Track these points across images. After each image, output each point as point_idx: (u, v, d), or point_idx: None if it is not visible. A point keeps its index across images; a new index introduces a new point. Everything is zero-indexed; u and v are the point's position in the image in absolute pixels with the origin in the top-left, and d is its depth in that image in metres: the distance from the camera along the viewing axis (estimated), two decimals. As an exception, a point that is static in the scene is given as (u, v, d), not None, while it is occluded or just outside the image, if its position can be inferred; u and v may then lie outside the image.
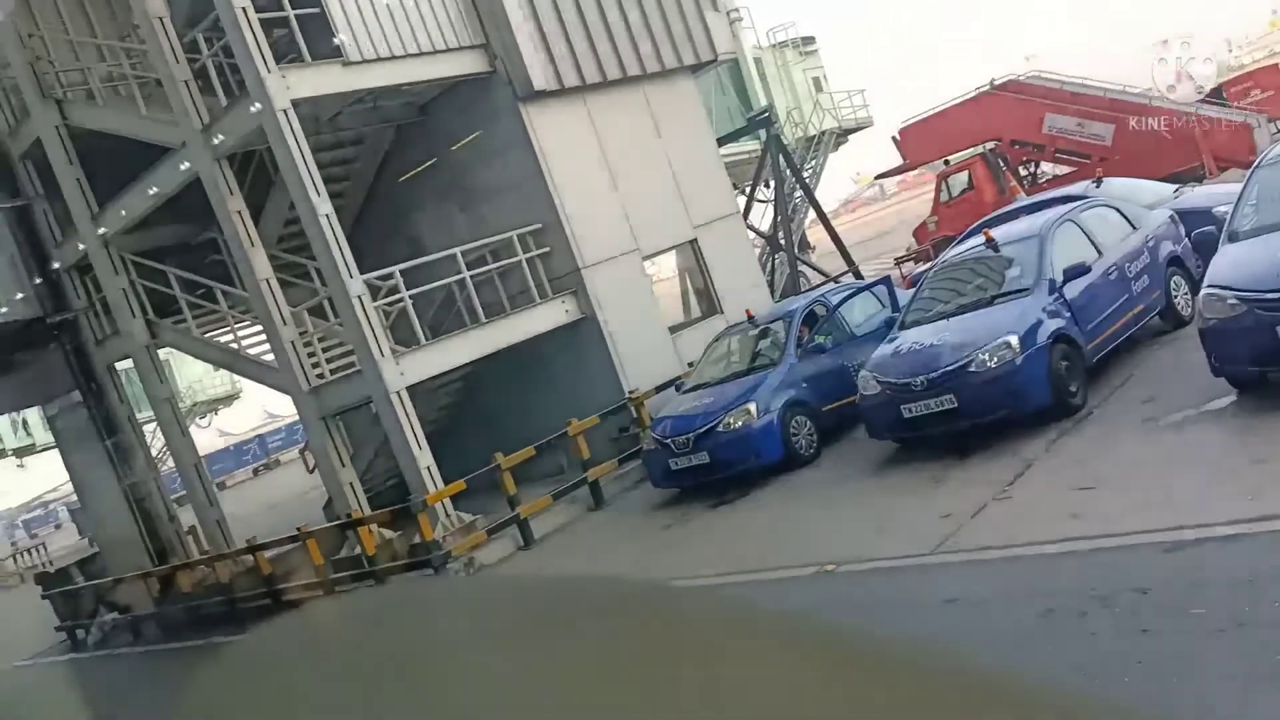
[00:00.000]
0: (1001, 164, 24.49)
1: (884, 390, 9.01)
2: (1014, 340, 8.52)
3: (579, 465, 12.14)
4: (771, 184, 24.52)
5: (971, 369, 8.52)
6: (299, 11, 11.71)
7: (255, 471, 47.08)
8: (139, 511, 16.43)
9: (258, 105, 11.49)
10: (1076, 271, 9.05)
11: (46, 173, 15.38)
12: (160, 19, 12.34)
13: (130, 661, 14.80)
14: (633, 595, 0.56)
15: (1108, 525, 6.00)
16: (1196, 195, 12.58)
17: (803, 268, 24.10)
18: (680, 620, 0.51)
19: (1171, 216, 10.64)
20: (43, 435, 34.86)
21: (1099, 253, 9.55)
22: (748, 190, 25.91)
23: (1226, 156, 20.49)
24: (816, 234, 28.97)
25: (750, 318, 12.03)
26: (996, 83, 24.49)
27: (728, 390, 10.90)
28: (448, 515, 11.45)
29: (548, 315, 13.24)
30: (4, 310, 15.85)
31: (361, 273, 11.71)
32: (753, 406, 10.39)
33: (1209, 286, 7.17)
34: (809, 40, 30.70)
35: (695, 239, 14.96)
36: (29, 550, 36.47)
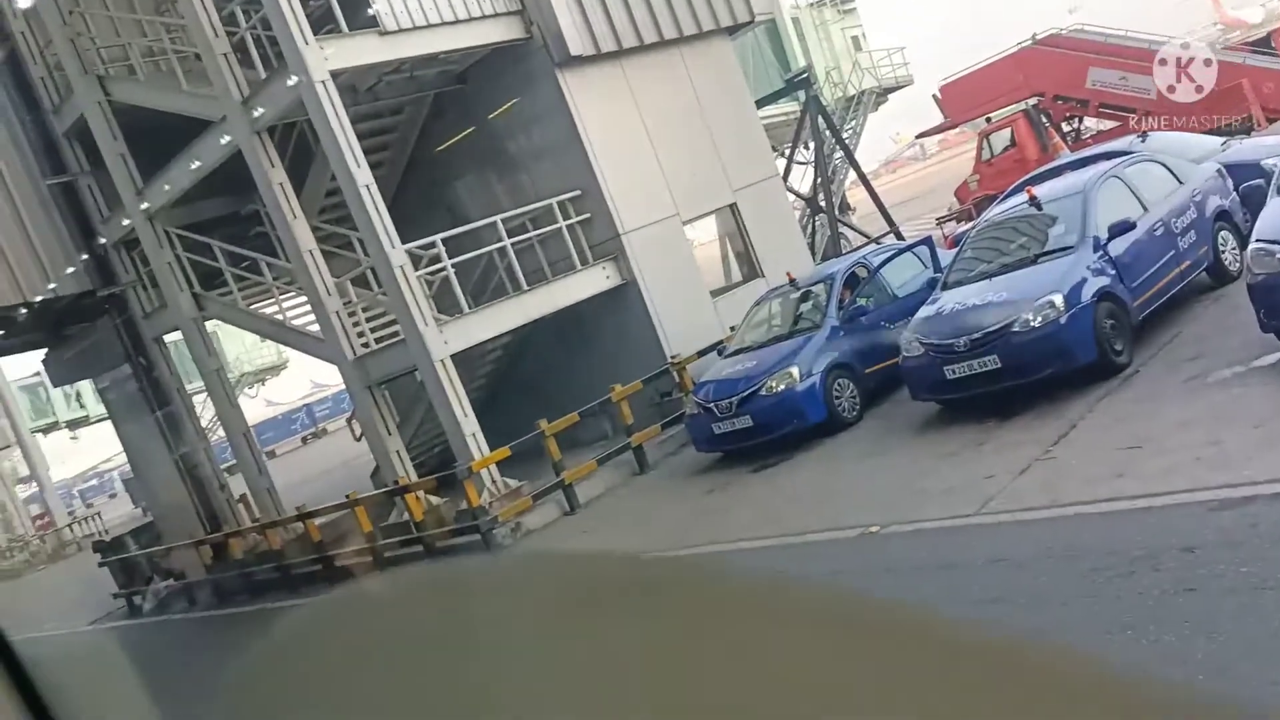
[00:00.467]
0: (1044, 120, 24.04)
1: (926, 351, 8.97)
2: (1058, 299, 8.43)
3: (622, 431, 12.23)
4: (811, 145, 24.27)
5: (1015, 329, 8.45)
6: (335, -18, 11.76)
7: (303, 440, 47.88)
8: (191, 480, 16.81)
9: (296, 77, 11.59)
10: (1121, 228, 8.91)
11: (91, 149, 15.62)
12: (198, -7, 12.45)
13: (186, 626, 15.21)
14: (685, 570, 0.58)
15: (1153, 484, 5.96)
16: (1244, 148, 12.28)
17: (843, 229, 23.91)
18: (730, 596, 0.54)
19: (1219, 170, 10.42)
20: (95, 407, 35.66)
21: (1144, 209, 9.39)
22: (787, 152, 25.66)
23: (1276, 108, 19.96)
24: (857, 195, 28.70)
25: (791, 281, 11.99)
26: (1039, 37, 23.98)
27: (770, 354, 10.90)
28: (493, 481, 11.61)
29: (588, 282, 13.28)
30: (54, 285, 16.21)
31: (403, 242, 11.82)
32: (795, 370, 10.40)
33: (1257, 241, 7.04)
34: (847, -2, 30.21)
35: (735, 203, 14.90)
36: (85, 519, 37.41)
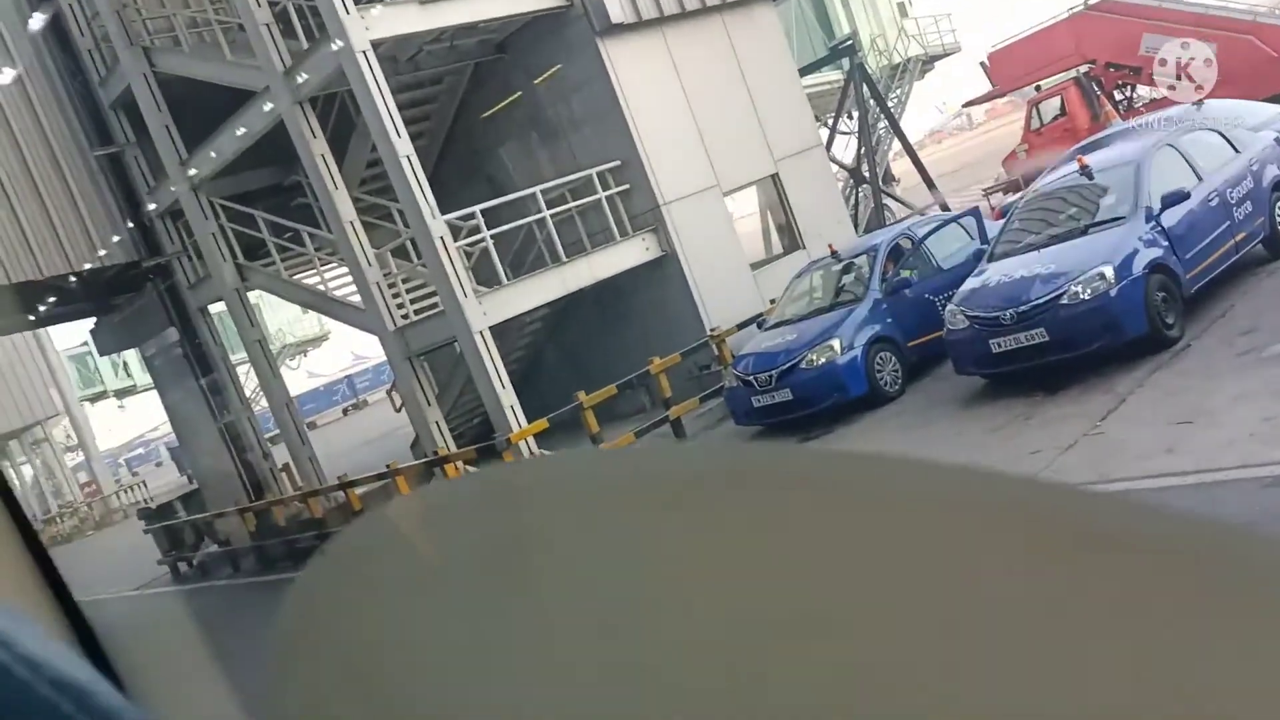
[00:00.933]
0: (1095, 88, 23.48)
1: (972, 324, 8.81)
2: (1108, 271, 8.23)
3: (661, 403, 12.20)
4: (855, 115, 23.94)
5: (1063, 301, 8.27)
6: (375, -49, 11.73)
7: (344, 411, 48.49)
8: (235, 449, 17.08)
9: (338, 44, 11.59)
10: (1175, 198, 8.67)
11: (137, 120, 15.80)
12: (241, -37, 12.47)
13: (230, 592, 15.48)
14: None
15: (1204, 460, 5.83)
16: (1306, 115, 11.90)
17: (887, 201, 23.60)
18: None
19: (1277, 139, 10.12)
20: (142, 376, 36.37)
21: (1199, 178, 9.14)
22: (830, 122, 25.34)
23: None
24: (901, 166, 28.28)
25: (833, 252, 11.84)
26: (1091, 2, 23.39)
27: (811, 326, 10.79)
28: (532, 453, 11.64)
29: (628, 253, 13.22)
30: (102, 254, 16.46)
31: (443, 213, 11.83)
32: (836, 343, 10.28)
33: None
34: (893, -37, 29.64)
35: (776, 173, 14.74)
36: (131, 487, 38.24)
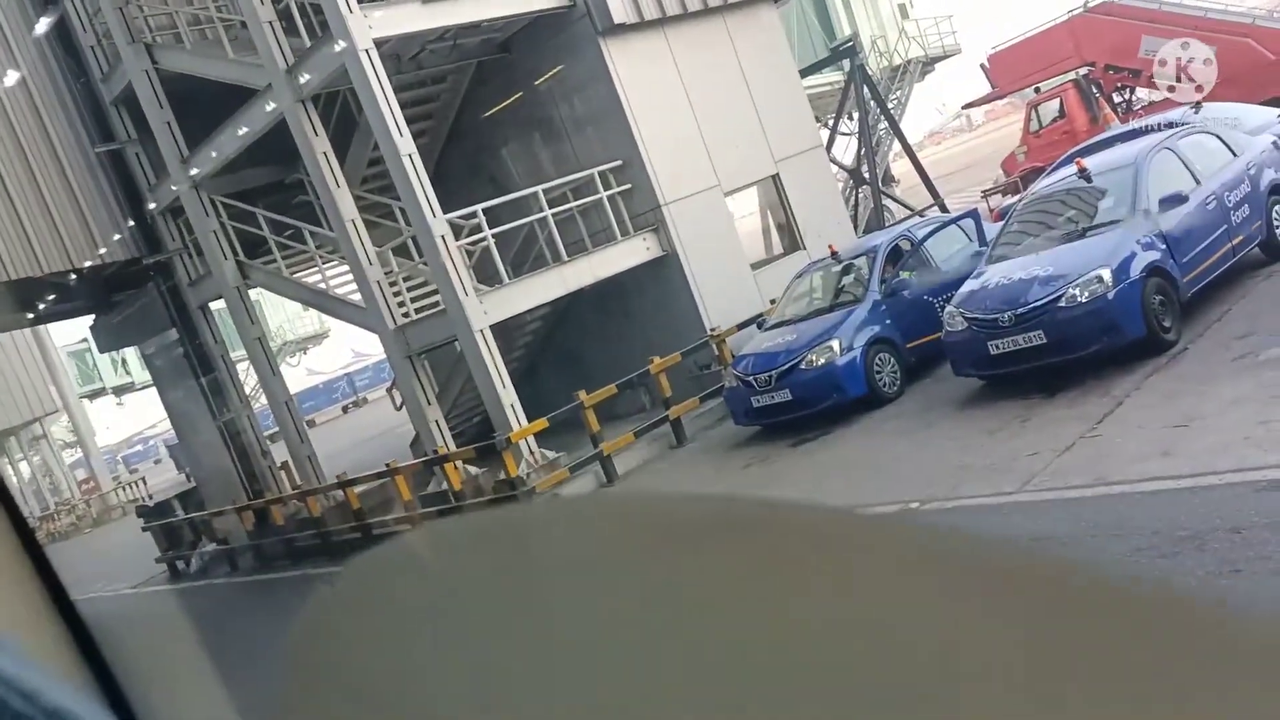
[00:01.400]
0: (1095, 90, 23.52)
1: (970, 326, 8.86)
2: (1106, 274, 8.28)
3: (661, 403, 12.24)
4: (855, 116, 23.99)
5: (1061, 303, 8.32)
6: (379, -49, 11.76)
7: (344, 409, 48.48)
8: (233, 447, 17.09)
9: (341, 44, 11.62)
10: (1173, 201, 8.73)
11: (139, 117, 15.82)
12: (244, -39, 12.50)
13: (228, 590, 15.50)
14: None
15: (1200, 464, 5.87)
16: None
17: (887, 202, 23.64)
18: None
19: (1275, 142, 10.17)
20: (141, 374, 36.38)
21: (1197, 181, 9.20)
22: (831, 123, 25.39)
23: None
24: (901, 167, 28.33)
25: (833, 253, 11.89)
26: (1090, 4, 23.43)
27: (810, 327, 10.83)
28: (531, 452, 11.68)
29: (629, 253, 13.26)
30: (103, 251, 16.48)
31: (444, 212, 11.86)
32: (836, 343, 10.33)
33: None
34: (894, -36, 29.69)
35: (777, 174, 14.79)
36: (130, 485, 38.22)
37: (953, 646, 0.38)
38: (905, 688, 0.37)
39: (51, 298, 17.76)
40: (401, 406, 14.44)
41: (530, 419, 11.70)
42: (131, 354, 36.11)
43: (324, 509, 14.27)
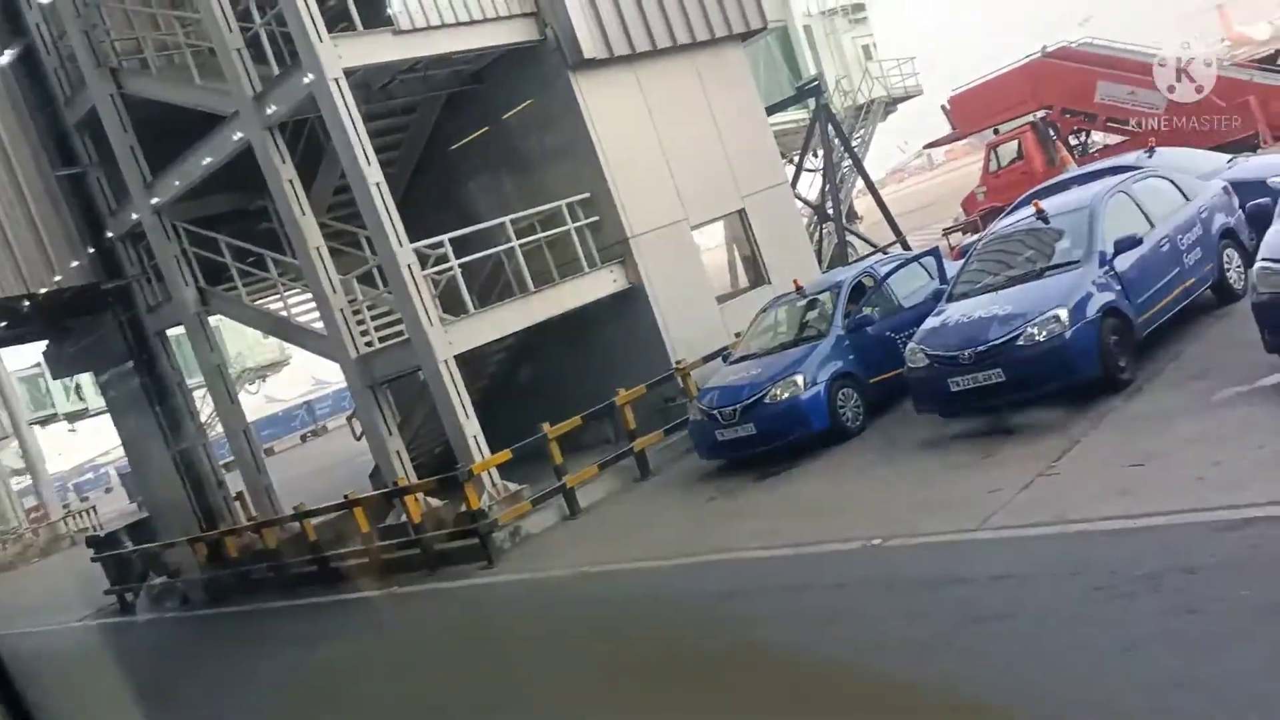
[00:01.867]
0: (1052, 133, 24.07)
1: (931, 363, 8.97)
2: (1063, 313, 8.43)
3: (625, 435, 12.23)
4: (820, 153, 24.35)
5: (1019, 342, 8.46)
6: (351, -20, 11.79)
7: (303, 438, 47.91)
8: (188, 477, 16.78)
9: (310, 75, 11.61)
10: (1128, 244, 8.92)
11: (102, 141, 15.66)
12: (214, -12, 12.46)
13: (178, 625, 15.17)
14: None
15: (1156, 503, 5.97)
16: (1251, 166, 12.31)
17: (850, 238, 23.96)
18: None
19: (1225, 187, 10.44)
20: (95, 400, 35.68)
21: (1151, 224, 9.40)
22: (796, 160, 25.74)
23: (1283, 126, 20.00)
24: (864, 204, 28.74)
25: (798, 288, 12.00)
26: (1048, 50, 24.02)
27: (775, 361, 10.91)
28: (494, 484, 11.60)
29: (596, 285, 13.30)
30: (59, 278, 16.22)
31: (411, 241, 11.83)
32: (800, 378, 10.40)
33: (1263, 260, 7.03)
34: (859, 7, 30.32)
35: (743, 209, 14.94)
36: (80, 513, 37.38)
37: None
38: None
39: (3, 324, 17.42)
40: (361, 436, 14.28)
41: (494, 450, 11.63)
42: (86, 379, 35.45)
43: (280, 541, 14.03)
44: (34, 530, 36.68)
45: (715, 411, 10.71)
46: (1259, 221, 9.18)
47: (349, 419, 21.03)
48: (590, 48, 13.22)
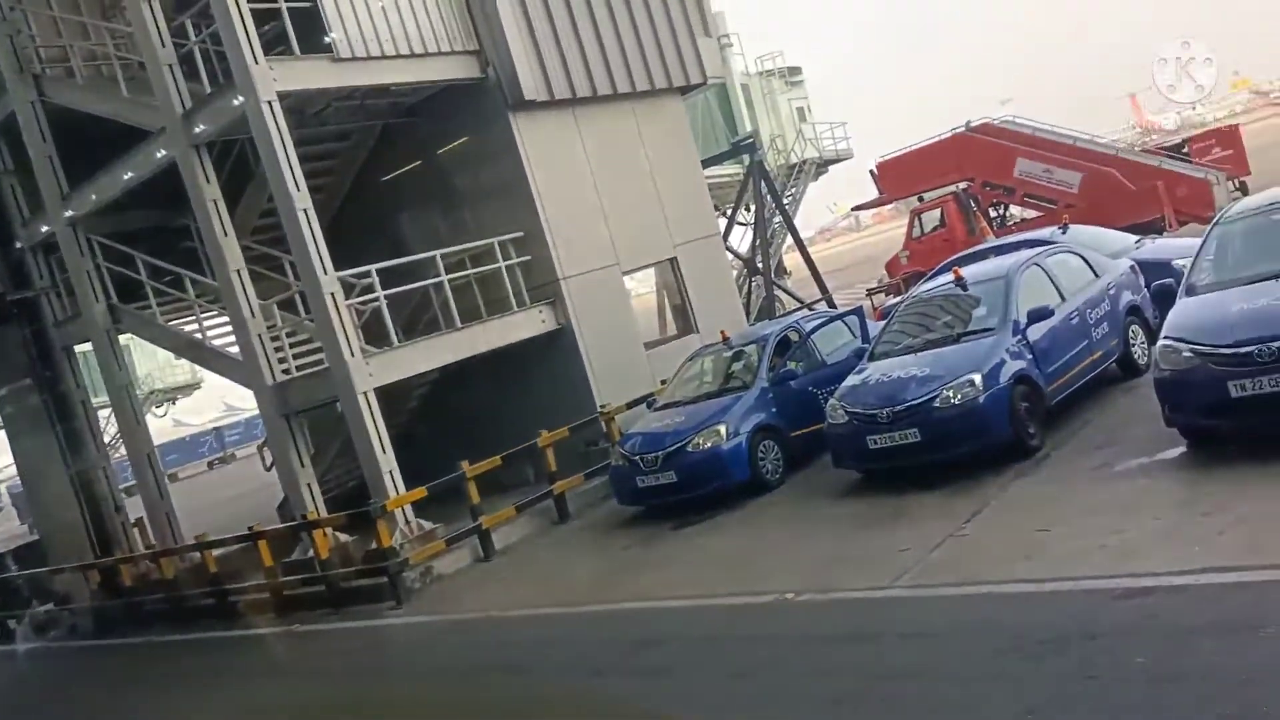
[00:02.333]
0: (973, 204, 24.89)
1: (851, 420, 9.12)
2: (977, 378, 8.67)
3: (545, 477, 12.12)
4: (752, 208, 24.75)
5: (936, 404, 8.66)
6: (292, 4, 11.68)
7: (210, 465, 46.40)
8: (85, 499, 16.11)
9: (242, 96, 11.43)
10: (1040, 315, 9.24)
11: (18, 148, 15.18)
12: (148, 1, 12.23)
13: (59, 657, 14.46)
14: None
15: (1060, 569, 6.11)
16: (1157, 247, 12.90)
17: (778, 292, 24.32)
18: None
19: (1132, 266, 10.93)
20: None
21: (1062, 298, 9.75)
22: (728, 213, 26.12)
23: (1187, 211, 21.00)
24: (793, 260, 29.26)
25: (725, 339, 12.11)
26: (972, 124, 24.92)
27: (699, 410, 10.96)
28: (407, 522, 11.36)
29: (524, 324, 13.24)
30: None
31: (337, 270, 11.65)
32: (723, 428, 10.46)
33: (1165, 338, 7.34)
34: (795, 70, 31.10)
35: (675, 257, 15.08)
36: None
37: None
38: None
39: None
40: (272, 466, 13.90)
41: (410, 487, 11.41)
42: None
43: (178, 571, 13.53)
44: (-87, 549, 34.72)
45: (637, 457, 10.70)
46: (1163, 300, 9.57)
47: (259, 448, 20.46)
48: (531, 89, 13.28)
